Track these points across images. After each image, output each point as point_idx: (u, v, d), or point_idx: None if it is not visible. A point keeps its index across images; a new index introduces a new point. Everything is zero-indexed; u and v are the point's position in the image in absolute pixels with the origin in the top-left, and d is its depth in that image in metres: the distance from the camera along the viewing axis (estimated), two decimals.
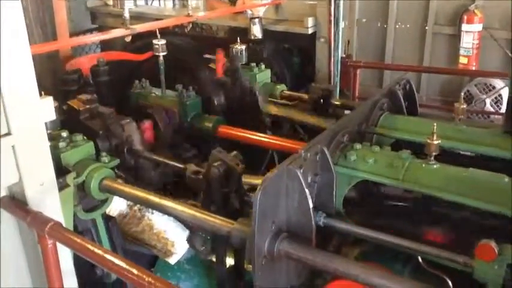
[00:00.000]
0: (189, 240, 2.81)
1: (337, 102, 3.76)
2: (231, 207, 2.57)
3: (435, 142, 2.34)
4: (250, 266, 1.96)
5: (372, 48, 7.03)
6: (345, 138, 2.59)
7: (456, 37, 6.35)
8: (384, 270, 2.06)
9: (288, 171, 2.04)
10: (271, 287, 2.04)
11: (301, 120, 3.78)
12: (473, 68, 6.25)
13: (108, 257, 1.85)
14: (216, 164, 2.53)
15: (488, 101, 6.16)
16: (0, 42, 1.95)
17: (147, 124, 3.52)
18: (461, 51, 6.26)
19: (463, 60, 6.27)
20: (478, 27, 6.13)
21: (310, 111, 3.81)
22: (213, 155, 2.58)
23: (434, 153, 2.35)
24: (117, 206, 3.31)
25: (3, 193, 2.18)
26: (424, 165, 2.38)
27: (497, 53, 6.18)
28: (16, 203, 2.15)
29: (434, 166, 2.35)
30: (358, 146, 2.55)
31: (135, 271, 1.72)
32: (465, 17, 6.14)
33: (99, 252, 1.87)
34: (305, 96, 4.08)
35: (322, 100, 3.71)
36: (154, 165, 3.33)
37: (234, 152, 2.62)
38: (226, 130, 3.56)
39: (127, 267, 1.77)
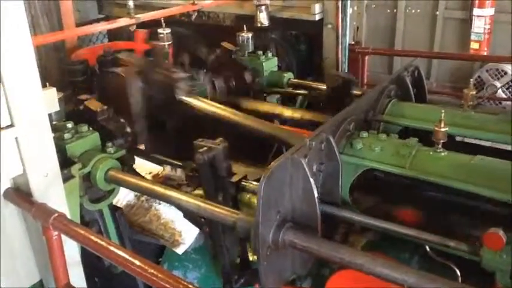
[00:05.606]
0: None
1: (358, 92, 3.66)
2: (226, 194, 2.55)
3: (443, 129, 2.30)
4: (256, 256, 1.95)
5: (382, 34, 6.94)
6: (351, 127, 2.55)
7: (467, 22, 6.24)
8: (389, 259, 2.04)
9: (293, 160, 2.01)
10: (276, 277, 2.03)
11: None
12: (485, 53, 6.15)
13: (112, 248, 1.85)
14: (201, 150, 2.51)
15: (499, 86, 6.06)
16: (1, 33, 1.94)
17: None
18: (473, 36, 6.15)
19: (474, 45, 6.16)
20: (489, 11, 6.02)
21: (328, 100, 3.75)
22: (195, 145, 2.56)
23: (441, 141, 2.32)
24: (124, 197, 3.32)
25: (8, 185, 2.19)
26: (431, 153, 2.34)
27: (509, 38, 6.07)
28: (20, 194, 2.16)
29: (442, 154, 2.32)
30: (364, 134, 2.52)
31: (137, 262, 1.72)
32: (476, 2, 6.03)
33: (103, 243, 1.87)
34: (313, 84, 4.06)
35: (342, 89, 3.64)
36: None
37: (219, 138, 2.60)
38: None
39: (130, 258, 1.77)
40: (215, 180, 2.52)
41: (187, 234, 3.18)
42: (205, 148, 2.50)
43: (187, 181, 2.73)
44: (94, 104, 3.12)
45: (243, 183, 2.57)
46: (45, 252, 2.17)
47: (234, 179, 2.57)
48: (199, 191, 3.16)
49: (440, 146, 2.33)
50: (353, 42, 5.09)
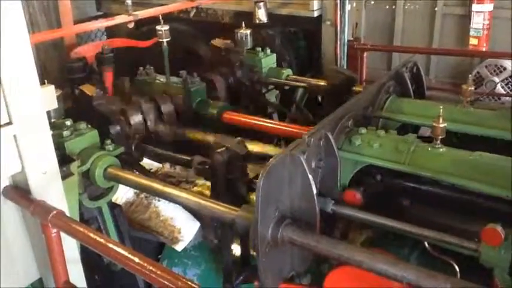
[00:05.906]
0: (202, 233, 2.83)
1: (358, 89, 3.67)
2: (237, 193, 2.55)
3: (441, 125, 2.30)
4: (255, 253, 1.95)
5: (381, 30, 6.93)
6: (350, 123, 2.55)
7: (466, 18, 6.23)
8: (388, 256, 2.04)
9: (291, 156, 2.01)
10: (275, 273, 2.03)
11: None
12: (484, 49, 6.14)
13: (111, 245, 1.85)
14: (219, 150, 2.51)
15: (498, 82, 6.06)
16: None
17: None
18: (472, 32, 6.14)
19: (473, 41, 6.15)
20: (489, 7, 6.01)
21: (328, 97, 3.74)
22: (213, 144, 2.56)
23: (440, 137, 2.32)
24: (124, 194, 3.32)
25: (7, 182, 2.18)
26: (430, 149, 2.34)
27: (508, 34, 6.06)
28: (19, 192, 2.15)
29: (440, 150, 2.32)
30: (363, 130, 2.52)
31: (137, 260, 1.72)
32: None
33: (102, 241, 1.87)
34: (312, 80, 4.06)
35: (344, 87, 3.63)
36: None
37: (238, 138, 2.60)
38: (231, 116, 3.53)
39: (129, 256, 1.77)
40: (229, 179, 2.53)
41: (187, 231, 3.18)
42: (223, 148, 2.51)
43: (196, 174, 2.73)
44: (89, 89, 3.11)
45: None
46: (44, 250, 2.16)
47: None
48: (199, 188, 3.18)
49: (439, 141, 2.33)
50: (352, 39, 5.08)
